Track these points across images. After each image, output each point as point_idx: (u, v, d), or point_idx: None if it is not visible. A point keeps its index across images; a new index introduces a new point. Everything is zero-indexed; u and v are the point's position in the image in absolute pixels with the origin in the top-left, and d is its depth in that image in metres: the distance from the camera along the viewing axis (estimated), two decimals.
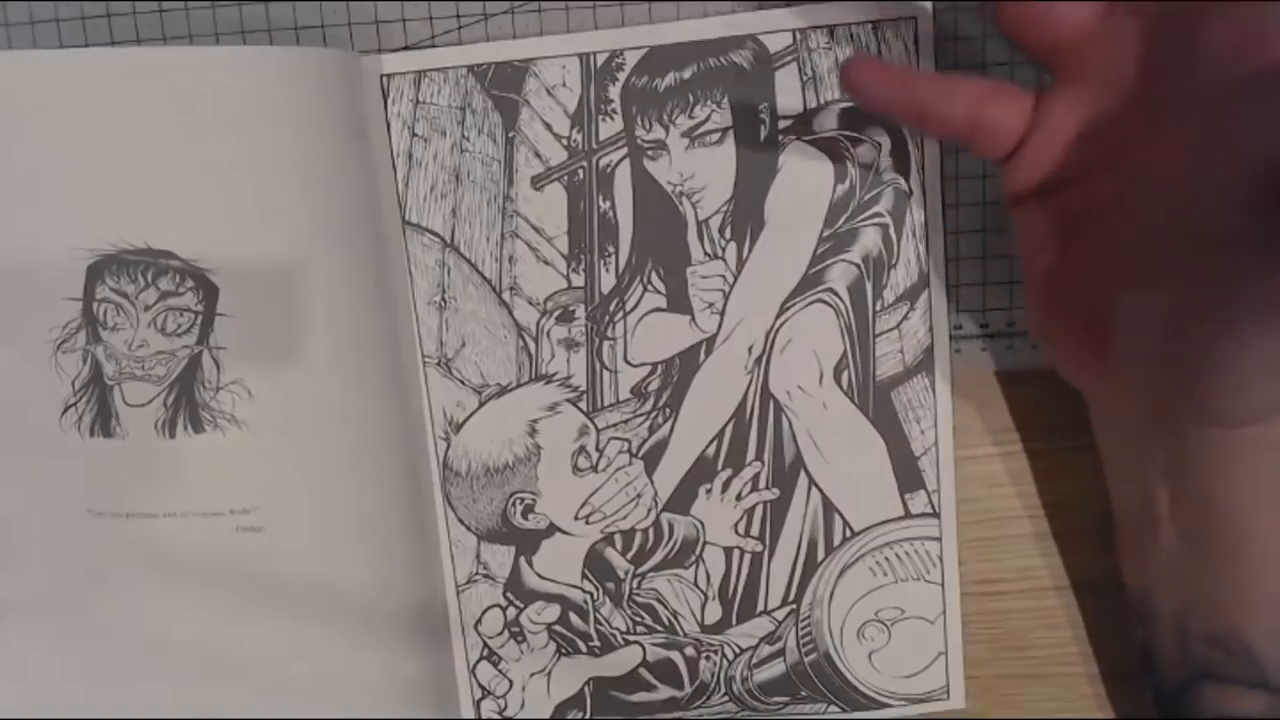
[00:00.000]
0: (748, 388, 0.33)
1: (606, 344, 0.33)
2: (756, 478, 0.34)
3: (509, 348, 0.33)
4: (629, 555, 0.34)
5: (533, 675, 0.35)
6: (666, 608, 0.35)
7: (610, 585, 0.35)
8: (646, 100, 0.32)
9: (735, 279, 0.33)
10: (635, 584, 0.35)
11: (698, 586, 0.35)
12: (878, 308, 0.33)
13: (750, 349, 0.33)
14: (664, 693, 0.35)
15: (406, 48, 0.32)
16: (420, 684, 0.34)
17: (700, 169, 0.32)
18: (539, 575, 0.35)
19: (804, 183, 0.32)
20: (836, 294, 0.33)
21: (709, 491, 0.34)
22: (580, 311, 0.33)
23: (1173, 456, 0.27)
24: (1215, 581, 0.27)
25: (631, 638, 0.35)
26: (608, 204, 0.32)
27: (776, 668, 0.35)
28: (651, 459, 0.34)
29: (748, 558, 0.34)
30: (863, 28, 0.31)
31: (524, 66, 0.32)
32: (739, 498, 0.34)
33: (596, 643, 0.35)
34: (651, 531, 0.34)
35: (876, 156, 0.32)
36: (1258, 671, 0.27)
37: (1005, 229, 0.32)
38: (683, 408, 0.34)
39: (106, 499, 0.31)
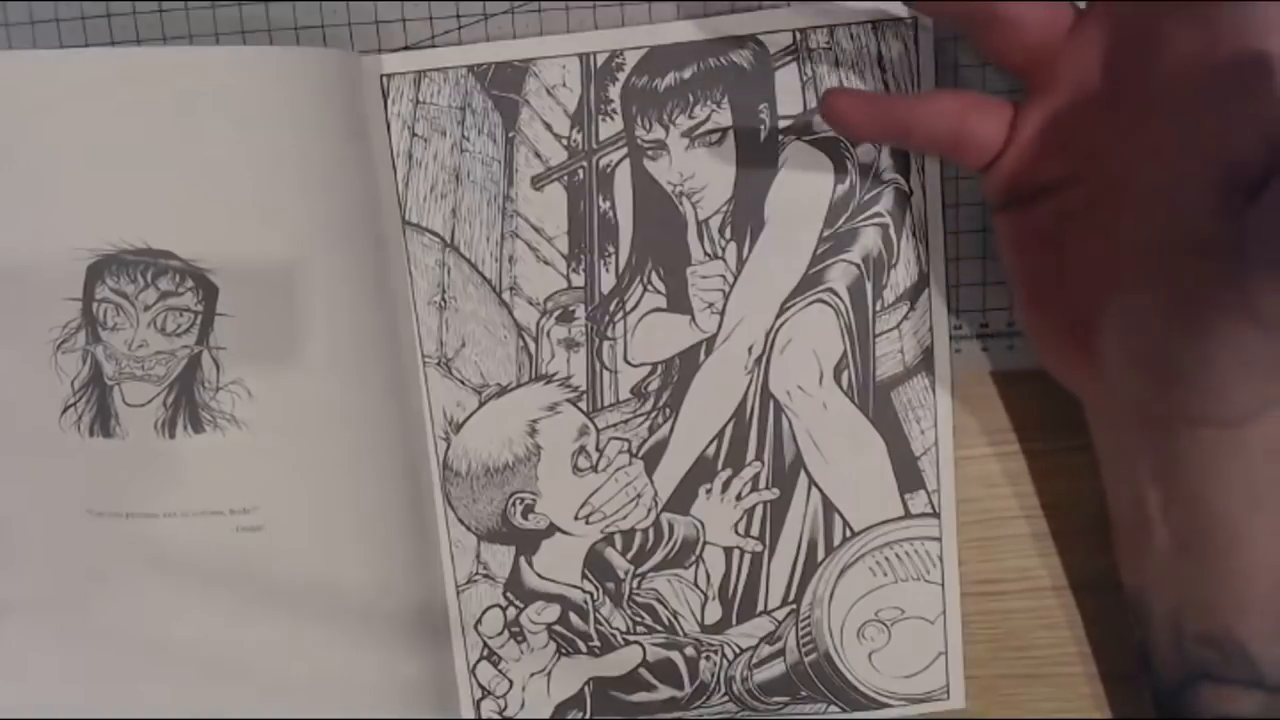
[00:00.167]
0: (748, 388, 0.33)
1: (606, 344, 0.33)
2: (756, 478, 0.34)
3: (509, 348, 0.33)
4: (629, 555, 0.34)
5: (533, 675, 0.35)
6: (666, 608, 0.35)
7: (610, 585, 0.35)
8: (646, 100, 0.32)
9: (735, 279, 0.33)
10: (635, 584, 0.35)
11: (698, 586, 0.35)
12: (878, 308, 0.33)
13: (750, 349, 0.33)
14: (664, 693, 0.35)
15: (406, 48, 0.32)
16: (420, 684, 0.34)
17: (700, 169, 0.32)
18: (539, 575, 0.35)
19: (804, 183, 0.32)
20: (836, 294, 0.33)
21: (709, 491, 0.34)
22: (580, 311, 0.33)
23: (1163, 457, 0.27)
24: (1208, 581, 0.27)
25: (631, 638, 0.35)
26: (608, 204, 0.32)
27: (776, 668, 0.35)
28: (651, 459, 0.34)
29: (748, 558, 0.34)
30: (863, 28, 0.31)
31: (524, 66, 0.32)
32: (739, 498, 0.34)
33: (596, 643, 0.35)
34: (651, 531, 0.34)
35: (876, 156, 0.32)
36: (1253, 671, 0.27)
37: None
38: (683, 408, 0.34)
39: (106, 499, 0.31)
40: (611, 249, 0.33)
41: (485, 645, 0.35)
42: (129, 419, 0.31)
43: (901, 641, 0.35)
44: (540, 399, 0.34)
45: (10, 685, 0.33)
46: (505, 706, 0.36)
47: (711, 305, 0.33)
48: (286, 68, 0.30)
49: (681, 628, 0.35)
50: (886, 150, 0.32)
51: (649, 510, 0.34)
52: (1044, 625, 0.35)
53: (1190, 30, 0.23)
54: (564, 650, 0.35)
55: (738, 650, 0.35)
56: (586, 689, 0.35)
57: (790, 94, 0.32)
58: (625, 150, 0.32)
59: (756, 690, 0.35)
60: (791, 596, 0.35)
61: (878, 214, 0.32)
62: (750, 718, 0.35)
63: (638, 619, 0.35)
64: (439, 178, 0.32)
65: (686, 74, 0.32)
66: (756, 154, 0.32)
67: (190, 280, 0.30)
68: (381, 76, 0.32)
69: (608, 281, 0.33)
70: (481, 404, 0.34)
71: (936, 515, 0.34)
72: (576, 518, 0.34)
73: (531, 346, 0.33)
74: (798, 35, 0.31)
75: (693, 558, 0.34)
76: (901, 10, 0.31)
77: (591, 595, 0.35)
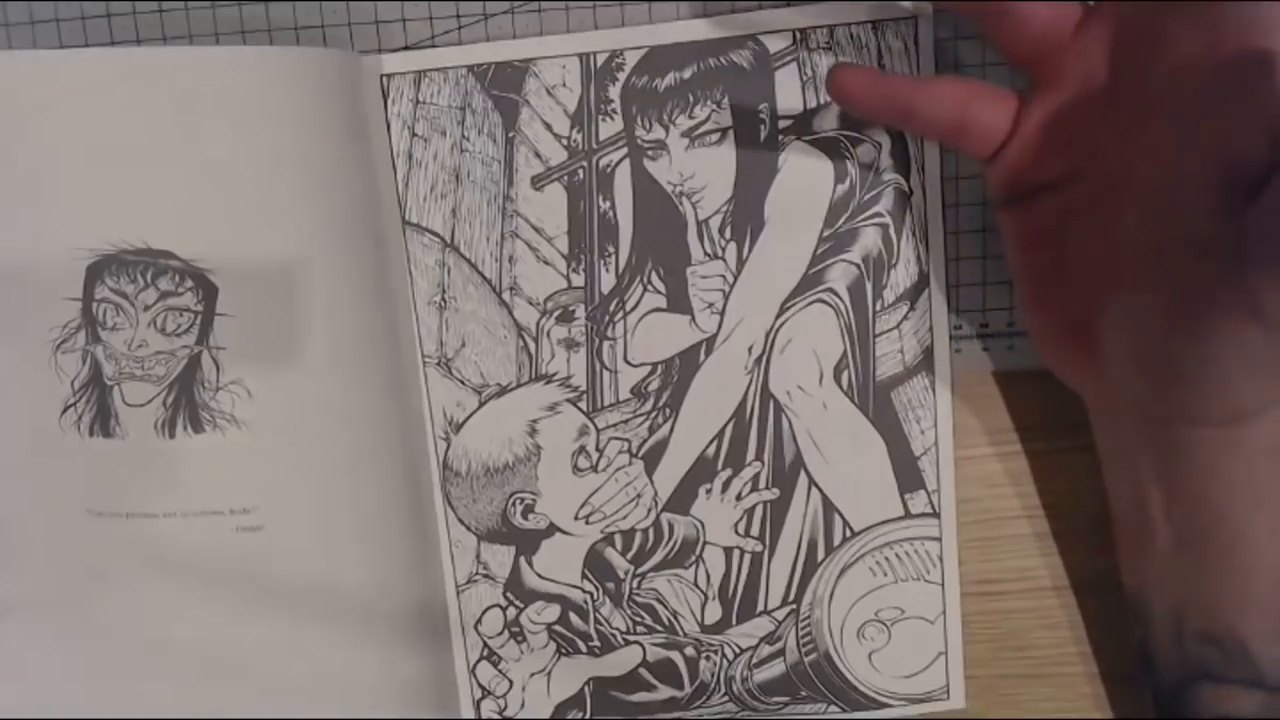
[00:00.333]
0: (748, 388, 0.33)
1: (606, 344, 0.33)
2: (756, 478, 0.34)
3: (509, 348, 0.33)
4: (629, 555, 0.34)
5: (533, 675, 0.35)
6: (666, 608, 0.35)
7: (610, 585, 0.35)
8: (646, 100, 0.32)
9: (735, 279, 0.33)
10: (635, 584, 0.35)
11: (698, 586, 0.35)
12: (878, 308, 0.33)
13: (750, 349, 0.33)
14: (664, 693, 0.35)
15: (406, 48, 0.32)
16: (420, 684, 0.34)
17: (700, 169, 0.32)
18: (539, 575, 0.35)
19: (804, 183, 0.32)
20: (836, 294, 0.33)
21: (709, 491, 0.34)
22: (580, 311, 0.33)
23: (1164, 456, 0.27)
24: (1209, 581, 0.27)
25: (631, 638, 0.35)
26: (608, 204, 0.32)
27: (776, 668, 0.35)
28: (651, 459, 0.34)
29: (748, 558, 0.34)
30: (863, 28, 0.31)
31: (524, 66, 0.32)
32: (739, 498, 0.34)
33: (596, 643, 0.35)
34: (651, 531, 0.34)
35: (876, 156, 0.32)
36: (1253, 670, 0.27)
37: None
38: (683, 408, 0.33)
39: (106, 499, 0.31)
40: (611, 249, 0.33)
41: (485, 645, 0.35)
42: (129, 419, 0.31)
43: (901, 641, 0.35)
44: (540, 399, 0.34)
45: (10, 685, 0.33)
46: (505, 706, 0.36)
47: (711, 305, 0.33)
48: (286, 68, 0.30)
49: (681, 628, 0.35)
50: (886, 150, 0.32)
51: (649, 510, 0.34)
52: (1044, 625, 0.35)
53: (1193, 30, 0.24)
54: (564, 650, 0.35)
55: (738, 650, 0.35)
56: (586, 689, 0.35)
57: (790, 94, 0.32)
58: (625, 150, 0.32)
59: (756, 690, 0.35)
60: (791, 596, 0.35)
61: (878, 214, 0.32)
62: (750, 718, 0.35)
63: (638, 619, 0.35)
64: (439, 178, 0.32)
65: (686, 74, 0.32)
66: (756, 154, 0.32)
67: (190, 280, 0.30)
68: (381, 76, 0.32)
69: (608, 281, 0.33)
70: (481, 404, 0.34)
71: (936, 515, 0.34)
72: (576, 518, 0.34)
73: (531, 346, 0.33)
74: (798, 35, 0.31)
75: (693, 558, 0.34)
76: (902, 10, 0.31)
77: (591, 595, 0.35)
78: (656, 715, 0.35)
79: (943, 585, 0.34)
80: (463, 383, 0.33)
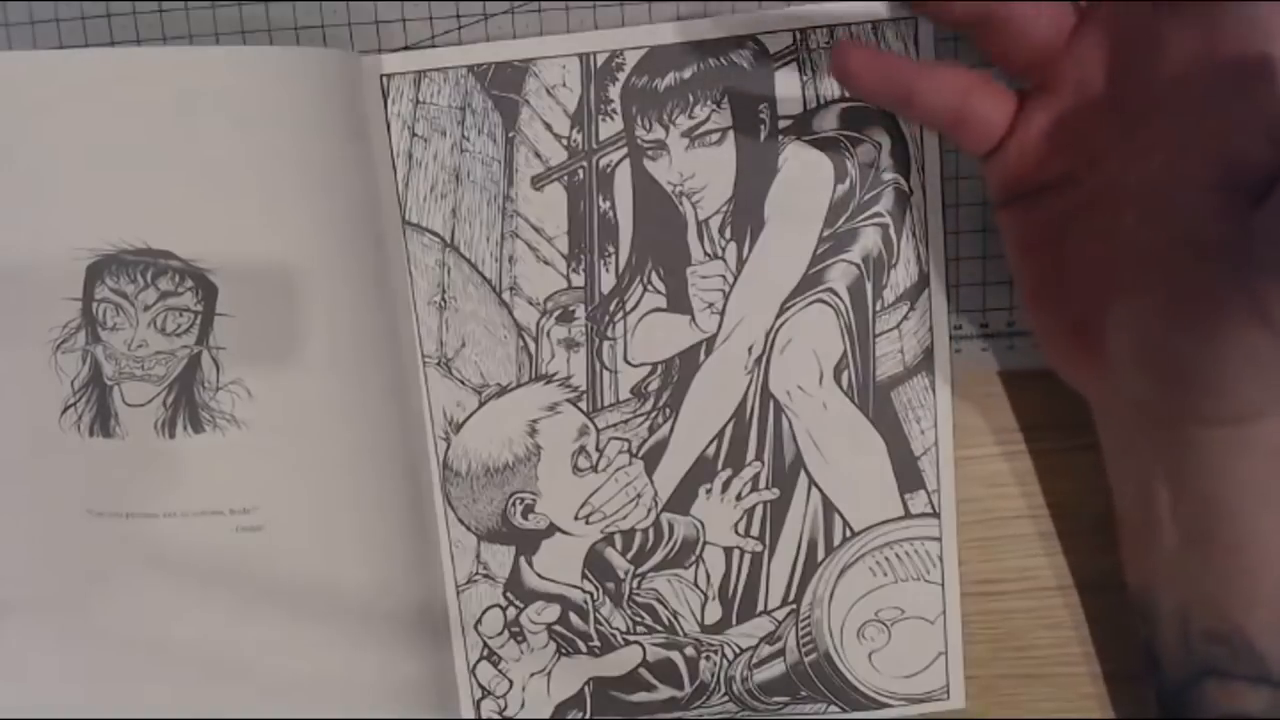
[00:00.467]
0: (748, 388, 0.33)
1: (606, 344, 0.33)
2: (756, 478, 0.34)
3: (509, 348, 0.33)
4: (629, 555, 0.34)
5: (533, 675, 0.35)
6: (666, 608, 0.35)
7: (610, 585, 0.35)
8: (646, 100, 0.32)
9: (735, 279, 0.33)
10: (635, 584, 0.35)
11: (698, 586, 0.35)
12: (878, 308, 0.33)
13: (750, 349, 0.33)
14: (664, 693, 0.35)
15: (406, 48, 0.32)
16: (420, 684, 0.34)
17: (700, 169, 0.32)
18: (539, 575, 0.35)
19: (804, 183, 0.32)
20: (836, 294, 0.33)
21: (709, 491, 0.34)
22: (580, 311, 0.33)
23: (1170, 455, 0.27)
24: (1217, 579, 0.27)
25: (631, 638, 0.35)
26: (608, 204, 0.32)
27: (776, 668, 0.35)
28: (651, 459, 0.34)
29: (748, 558, 0.34)
30: (862, 28, 0.31)
31: (524, 66, 0.32)
32: (739, 498, 0.34)
33: (596, 643, 0.35)
34: (651, 531, 0.34)
35: (876, 156, 0.32)
36: (1261, 667, 0.27)
37: None
38: (683, 408, 0.33)
39: (106, 499, 0.31)
40: (611, 249, 0.33)
41: (485, 645, 0.35)
42: (129, 419, 0.31)
43: (901, 641, 0.35)
44: (540, 399, 0.34)
45: (10, 685, 0.33)
46: (505, 706, 0.36)
47: (711, 305, 0.33)
48: (286, 68, 0.30)
49: (681, 628, 0.35)
50: (886, 150, 0.32)
51: (649, 510, 0.34)
52: (1044, 625, 0.35)
53: (1191, 32, 0.23)
54: (564, 650, 0.35)
55: (738, 650, 0.35)
56: (586, 689, 0.35)
57: (790, 94, 0.32)
58: (625, 150, 0.32)
59: (756, 690, 0.35)
60: (791, 596, 0.35)
61: (878, 214, 0.32)
62: (750, 718, 0.35)
63: (638, 619, 0.35)
64: (439, 178, 0.32)
65: (686, 74, 0.32)
66: (756, 154, 0.32)
67: (190, 280, 0.30)
68: (381, 76, 0.32)
69: (608, 281, 0.33)
70: (481, 404, 0.34)
71: (936, 515, 0.34)
72: (576, 518, 0.34)
73: (531, 346, 0.33)
74: (798, 35, 0.31)
75: (693, 558, 0.34)
76: (902, 10, 0.31)
77: (591, 595, 0.35)
78: (656, 715, 0.35)
79: (943, 585, 0.34)
80: (463, 383, 0.33)
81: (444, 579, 0.35)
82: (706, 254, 0.33)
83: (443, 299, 0.33)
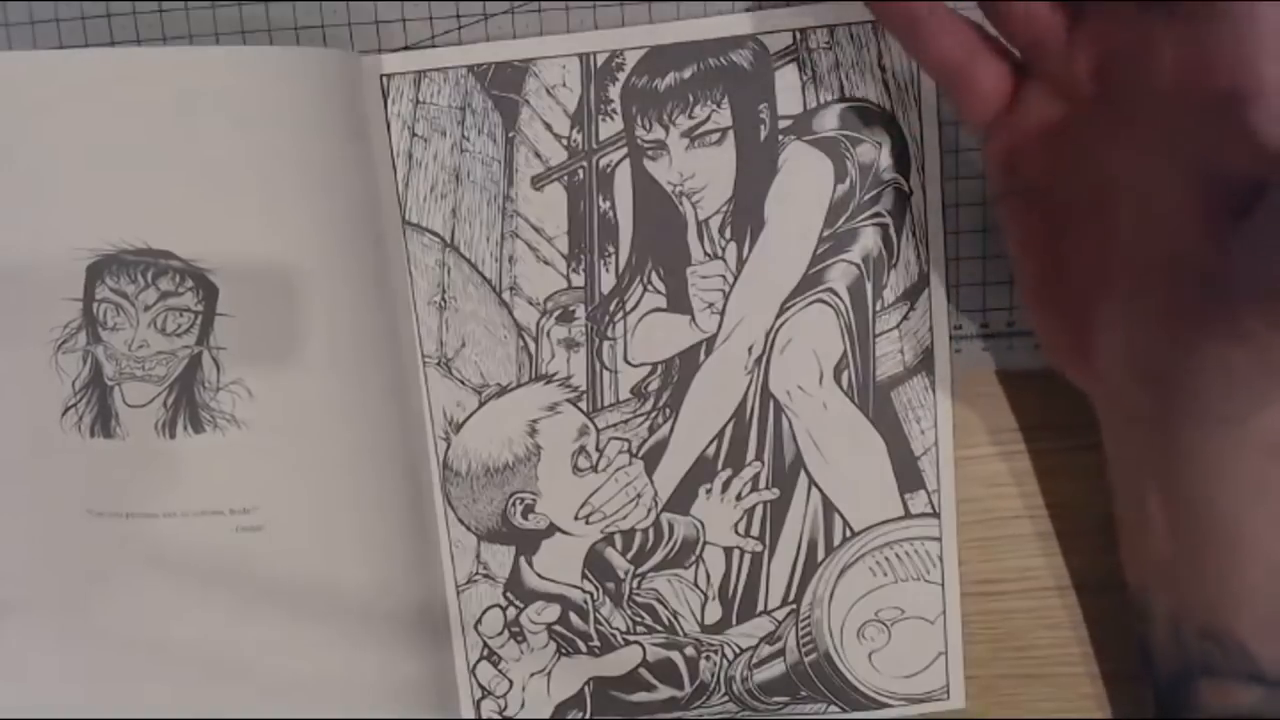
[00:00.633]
0: (748, 388, 0.33)
1: (606, 344, 0.33)
2: (756, 478, 0.34)
3: (509, 348, 0.33)
4: (629, 555, 0.34)
5: (533, 675, 0.35)
6: (666, 608, 0.35)
7: (610, 585, 0.35)
8: (646, 100, 0.32)
9: (735, 279, 0.33)
10: (635, 584, 0.35)
11: (698, 586, 0.35)
12: (878, 308, 0.33)
13: (750, 349, 0.33)
14: (664, 693, 0.35)
15: (406, 48, 0.32)
16: (420, 684, 0.34)
17: (700, 169, 0.32)
18: (539, 575, 0.35)
19: (804, 183, 0.32)
20: (836, 294, 0.33)
21: (709, 491, 0.34)
22: (580, 311, 0.33)
23: (1159, 454, 0.27)
24: (1207, 578, 0.27)
25: (631, 638, 0.35)
26: (608, 204, 0.32)
27: (776, 668, 0.35)
28: (651, 459, 0.34)
29: (748, 558, 0.34)
30: (863, 28, 0.31)
31: (524, 66, 0.32)
32: (739, 498, 0.34)
33: (596, 643, 0.35)
34: (651, 531, 0.34)
35: (876, 156, 0.32)
36: (1252, 665, 0.27)
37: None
38: (683, 408, 0.33)
39: (107, 499, 0.31)
40: (611, 249, 0.33)
41: (485, 645, 0.35)
42: (129, 419, 0.31)
43: (901, 641, 0.35)
44: (540, 399, 0.34)
45: (10, 685, 0.33)
46: (505, 706, 0.36)
47: (711, 305, 0.33)
48: (286, 68, 0.30)
49: (681, 628, 0.35)
50: (886, 150, 0.32)
51: (649, 510, 0.34)
52: (1044, 625, 0.35)
53: (1182, 37, 0.23)
54: (564, 650, 0.35)
55: (738, 650, 0.35)
56: (586, 689, 0.35)
57: (790, 94, 0.32)
58: (625, 150, 0.32)
59: (756, 690, 0.35)
60: (791, 596, 0.35)
61: (878, 214, 0.32)
62: (750, 718, 0.35)
63: (638, 619, 0.35)
64: (439, 178, 0.32)
65: (686, 74, 0.32)
66: (756, 154, 0.32)
67: (190, 280, 0.30)
68: (381, 76, 0.32)
69: (608, 281, 0.33)
70: (481, 404, 0.34)
71: (936, 515, 0.34)
72: (576, 518, 0.34)
73: (531, 346, 0.33)
74: (798, 35, 0.31)
75: (693, 558, 0.34)
76: None
77: (591, 595, 0.35)
78: (656, 715, 0.35)
79: (943, 585, 0.34)
80: (463, 383, 0.33)
81: (444, 579, 0.35)
82: (706, 254, 0.33)
83: (443, 299, 0.33)
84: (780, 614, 0.35)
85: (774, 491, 0.34)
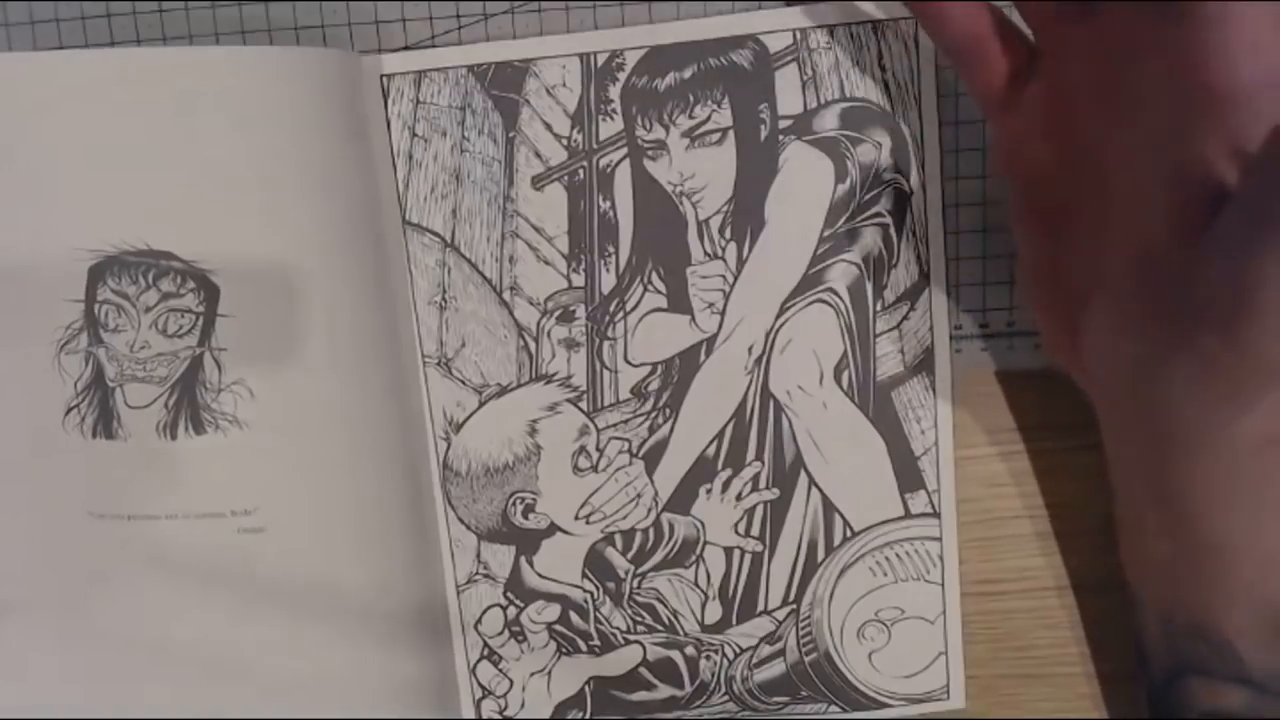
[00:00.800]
0: (748, 388, 0.33)
1: (606, 344, 0.33)
2: (756, 478, 0.34)
3: (509, 348, 0.33)
4: (629, 555, 0.35)
5: (533, 675, 0.35)
6: (667, 607, 0.35)
7: (610, 585, 0.35)
8: (646, 100, 0.32)
9: (735, 279, 0.33)
10: (635, 584, 0.35)
11: (698, 586, 0.35)
12: (878, 308, 0.33)
13: (750, 349, 0.33)
14: (664, 692, 0.35)
15: (406, 48, 0.32)
16: (420, 684, 0.34)
17: (700, 169, 0.32)
18: (539, 575, 0.35)
19: (804, 183, 0.32)
20: (836, 294, 0.33)
21: (709, 491, 0.34)
22: (580, 311, 0.33)
23: (1149, 453, 0.27)
24: (1197, 578, 0.27)
25: (632, 637, 0.35)
26: (608, 204, 0.32)
27: (776, 667, 0.35)
28: (651, 459, 0.34)
29: (748, 558, 0.34)
30: (863, 28, 0.31)
31: (524, 66, 0.32)
32: (739, 498, 0.34)
33: (597, 642, 0.35)
34: (651, 531, 0.34)
35: (876, 156, 0.32)
36: (1239, 667, 0.27)
37: (1005, 229, 0.32)
38: (683, 408, 0.34)
39: (108, 500, 0.32)
40: (611, 249, 0.33)
41: (485, 645, 0.35)
42: (131, 420, 0.31)
43: (901, 641, 0.35)
44: (540, 399, 0.34)
45: (10, 685, 0.33)
46: (505, 706, 0.36)
47: (711, 305, 0.33)
48: (286, 68, 0.30)
49: (682, 627, 0.35)
50: (886, 150, 0.32)
51: (649, 510, 0.34)
52: (1044, 625, 0.35)
53: (1169, 41, 0.23)
54: (564, 650, 0.35)
55: (738, 650, 0.35)
56: (587, 688, 0.35)
57: (790, 94, 0.32)
58: (625, 150, 0.32)
59: (756, 690, 0.35)
60: (791, 596, 0.35)
61: (878, 214, 0.32)
62: (750, 718, 0.35)
63: (638, 618, 0.35)
64: (439, 178, 0.32)
65: (686, 74, 0.32)
66: (756, 154, 0.32)
67: (191, 281, 0.30)
68: (381, 76, 0.32)
69: (608, 281, 0.33)
70: (481, 404, 0.34)
71: (937, 515, 0.34)
72: (577, 517, 0.34)
73: (532, 346, 0.33)
74: (798, 35, 0.31)
75: (693, 558, 0.34)
76: (902, 10, 0.31)
77: (592, 595, 0.35)
78: (656, 715, 0.35)
79: (943, 585, 0.34)
80: (463, 383, 0.33)
81: (444, 579, 0.35)
82: (706, 254, 0.33)
83: (443, 299, 0.33)
84: (780, 614, 0.35)
85: (774, 491, 0.34)
